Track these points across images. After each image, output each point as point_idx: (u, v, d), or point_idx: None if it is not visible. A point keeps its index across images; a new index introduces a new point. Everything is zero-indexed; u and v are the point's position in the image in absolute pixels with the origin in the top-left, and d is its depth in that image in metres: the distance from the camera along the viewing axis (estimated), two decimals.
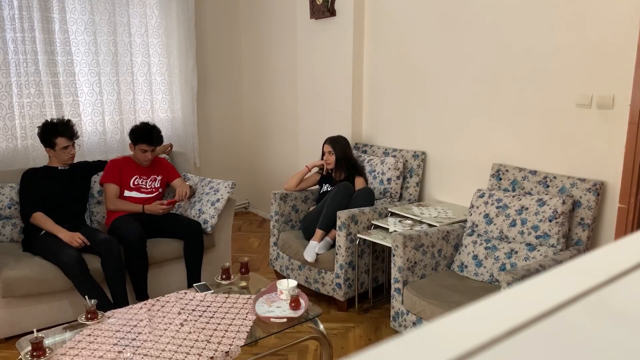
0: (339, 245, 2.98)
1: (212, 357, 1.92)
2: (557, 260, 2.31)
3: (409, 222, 2.97)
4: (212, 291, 2.50)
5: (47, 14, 3.64)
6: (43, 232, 2.90)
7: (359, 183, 3.37)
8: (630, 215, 2.33)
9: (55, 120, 3.05)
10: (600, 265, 0.48)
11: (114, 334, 2.08)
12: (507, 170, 2.83)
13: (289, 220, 3.50)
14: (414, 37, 3.40)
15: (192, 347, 1.98)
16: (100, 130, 4.04)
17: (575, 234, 2.51)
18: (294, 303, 2.27)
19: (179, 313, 2.26)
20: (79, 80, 3.90)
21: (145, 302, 2.38)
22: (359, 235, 2.97)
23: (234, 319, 2.22)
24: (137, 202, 3.21)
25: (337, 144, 3.42)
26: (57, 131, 3.00)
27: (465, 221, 2.87)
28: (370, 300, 3.18)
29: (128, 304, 2.69)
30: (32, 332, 1.94)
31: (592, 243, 2.52)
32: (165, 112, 4.44)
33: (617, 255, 0.50)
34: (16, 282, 2.65)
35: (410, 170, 3.41)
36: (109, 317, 2.22)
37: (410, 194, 3.40)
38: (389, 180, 3.36)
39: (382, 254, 3.22)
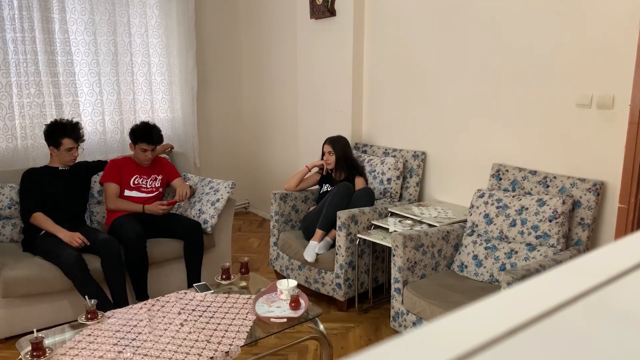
0: (339, 245, 2.98)
1: (212, 357, 1.92)
2: (557, 260, 2.31)
3: (409, 222, 2.97)
4: (212, 291, 2.50)
5: (47, 14, 3.64)
6: (43, 232, 2.89)
7: (359, 183, 3.37)
8: (630, 215, 2.33)
9: (64, 121, 3.06)
10: (600, 265, 0.48)
11: (114, 334, 2.08)
12: (507, 170, 2.83)
13: (289, 220, 3.50)
14: (414, 37, 3.40)
15: (192, 347, 1.98)
16: (100, 130, 4.04)
17: (575, 234, 2.51)
18: (294, 303, 2.27)
19: (179, 313, 2.26)
20: (79, 80, 3.90)
21: (145, 302, 2.38)
22: (359, 235, 2.97)
23: (234, 319, 2.22)
24: (137, 201, 3.21)
25: (337, 144, 3.42)
26: (64, 132, 3.00)
27: (465, 221, 2.87)
28: (370, 300, 3.18)
29: (128, 304, 2.69)
30: (32, 332, 1.94)
31: (592, 243, 2.52)
32: (165, 112, 4.44)
33: (617, 255, 0.50)
34: (16, 282, 2.65)
35: (410, 170, 3.41)
36: (109, 317, 2.22)
37: (410, 194, 3.40)
38: (389, 180, 3.36)
39: (382, 254, 3.22)
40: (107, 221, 3.18)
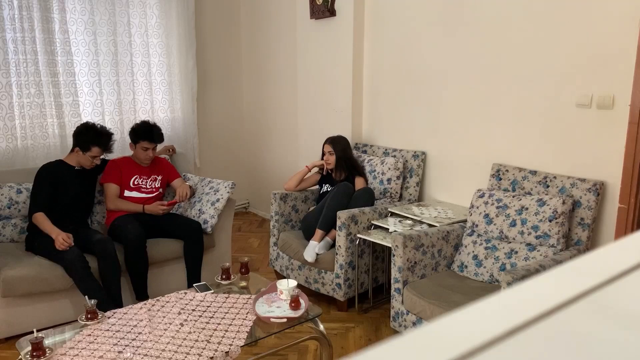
0: (339, 245, 2.98)
1: (212, 357, 1.92)
2: (557, 260, 2.31)
3: (409, 222, 2.97)
4: (212, 291, 2.50)
5: (47, 14, 3.64)
6: None
7: (359, 183, 3.37)
8: (630, 215, 2.33)
9: (101, 129, 3.05)
10: (600, 265, 0.48)
11: (114, 334, 2.08)
12: (507, 170, 2.83)
13: (289, 220, 3.50)
14: (414, 37, 3.40)
15: (192, 347, 1.98)
16: None
17: (575, 234, 2.51)
18: (294, 303, 2.27)
19: (179, 313, 2.26)
20: (79, 80, 3.90)
21: (145, 302, 2.38)
22: (359, 235, 2.97)
23: (234, 319, 2.22)
24: (137, 202, 3.21)
25: (338, 144, 3.42)
26: (99, 141, 3.01)
27: (465, 221, 2.87)
28: (370, 300, 3.18)
29: (122, 306, 2.70)
30: (32, 332, 1.94)
31: (592, 243, 2.52)
32: (165, 112, 4.44)
33: (617, 255, 0.50)
34: (16, 281, 2.65)
35: (410, 170, 3.41)
36: (109, 317, 2.22)
37: (410, 194, 3.40)
38: (389, 180, 3.36)
39: (382, 254, 3.22)
40: (107, 221, 3.18)
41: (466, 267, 2.67)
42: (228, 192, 3.29)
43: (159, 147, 3.58)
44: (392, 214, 3.14)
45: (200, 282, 2.85)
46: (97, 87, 3.99)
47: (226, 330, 2.12)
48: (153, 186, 3.30)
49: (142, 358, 1.90)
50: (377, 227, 3.04)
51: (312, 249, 3.07)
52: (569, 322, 0.39)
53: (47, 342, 1.98)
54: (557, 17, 2.61)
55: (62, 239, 2.74)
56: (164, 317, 2.23)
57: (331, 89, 3.93)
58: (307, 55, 4.11)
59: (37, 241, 2.88)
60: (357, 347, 2.73)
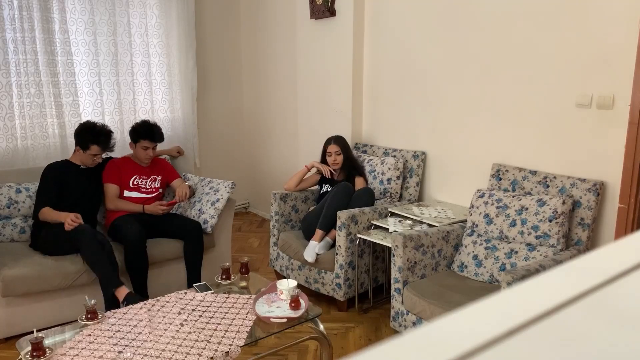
0: (339, 245, 2.98)
1: (212, 357, 1.92)
2: (557, 260, 2.31)
3: (409, 222, 2.97)
4: (212, 291, 2.50)
5: (47, 14, 3.64)
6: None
7: (359, 183, 3.37)
8: (630, 215, 2.33)
9: (99, 127, 3.08)
10: (600, 265, 0.48)
11: (114, 334, 2.08)
12: (507, 170, 2.83)
13: (289, 220, 3.50)
14: (414, 37, 3.40)
15: (192, 347, 1.98)
16: None
17: (575, 234, 2.51)
18: (294, 303, 2.27)
19: (179, 313, 2.26)
20: (79, 80, 3.90)
21: (145, 302, 2.38)
22: (359, 235, 2.97)
23: (234, 319, 2.22)
24: (137, 202, 3.21)
25: (343, 143, 3.41)
26: (97, 140, 3.04)
27: (465, 221, 2.87)
28: (370, 300, 3.18)
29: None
30: (32, 332, 1.94)
31: (592, 243, 2.52)
32: (165, 112, 4.44)
33: (617, 255, 0.50)
34: (16, 280, 2.65)
35: (410, 170, 3.41)
36: (109, 317, 2.22)
37: (410, 194, 3.40)
38: (389, 180, 3.36)
39: (382, 254, 3.22)
40: (107, 221, 3.18)
41: (466, 267, 2.67)
42: (228, 192, 3.29)
43: (160, 147, 3.58)
44: (392, 214, 3.14)
45: (200, 282, 2.85)
46: (97, 87, 3.99)
47: (226, 330, 2.12)
48: (153, 186, 3.30)
49: (142, 358, 1.90)
50: (377, 227, 3.04)
51: (312, 249, 3.07)
52: (569, 322, 0.39)
53: (47, 342, 1.98)
54: (557, 17, 2.61)
55: (70, 219, 2.78)
56: (164, 317, 2.23)
57: (331, 89, 3.92)
58: (307, 56, 4.11)
59: (41, 235, 2.88)
60: (357, 347, 2.73)
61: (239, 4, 5.03)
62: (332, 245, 3.12)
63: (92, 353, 1.94)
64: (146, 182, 3.28)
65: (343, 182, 3.29)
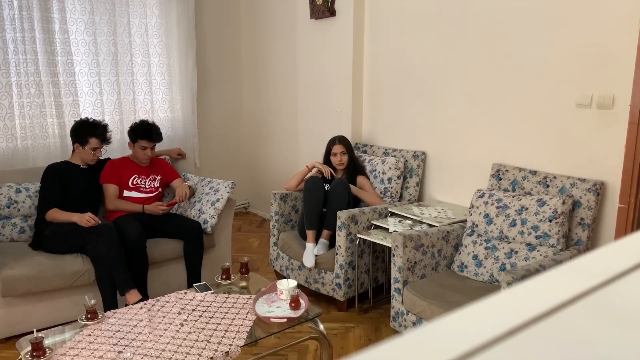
0: (339, 245, 2.98)
1: (212, 357, 1.92)
2: (557, 260, 2.31)
3: (409, 222, 2.97)
4: (212, 291, 2.50)
5: (47, 14, 3.64)
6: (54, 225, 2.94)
7: (363, 182, 3.36)
8: (630, 215, 2.33)
9: (95, 121, 3.12)
10: (600, 265, 0.48)
11: (114, 334, 2.08)
12: (507, 170, 2.83)
13: (289, 220, 3.50)
14: (414, 37, 3.40)
15: (192, 347, 1.98)
16: None
17: (575, 234, 2.51)
18: (294, 303, 2.27)
19: (179, 313, 2.26)
20: (79, 80, 3.90)
21: (145, 302, 2.38)
22: (359, 235, 2.97)
23: (234, 319, 2.22)
24: (136, 201, 3.21)
25: (347, 143, 3.40)
26: (94, 132, 3.06)
27: (465, 221, 2.87)
28: (370, 300, 3.18)
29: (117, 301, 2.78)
30: (32, 332, 1.94)
31: (592, 243, 2.52)
32: (165, 112, 4.44)
33: (617, 255, 0.50)
34: (16, 280, 2.65)
35: (410, 170, 3.41)
36: (109, 317, 2.22)
37: (410, 194, 3.40)
38: (389, 180, 3.36)
39: (382, 254, 3.22)
40: (107, 221, 3.18)
41: (466, 267, 2.67)
42: (228, 192, 3.29)
43: (160, 147, 3.58)
44: (392, 214, 3.14)
45: (200, 282, 2.85)
46: (97, 87, 3.99)
47: (226, 330, 2.12)
48: (152, 186, 3.30)
49: (142, 358, 1.90)
50: (377, 227, 3.04)
51: (310, 253, 3.07)
52: (569, 322, 0.39)
53: (47, 342, 1.98)
54: (557, 17, 2.61)
55: (88, 217, 2.82)
56: (164, 317, 2.23)
57: (331, 89, 3.92)
58: (307, 56, 4.11)
59: (47, 232, 2.89)
60: (357, 347, 2.73)
61: (238, 4, 5.03)
62: (330, 246, 3.12)
63: (92, 353, 1.94)
64: (145, 181, 3.29)
65: (336, 180, 3.25)
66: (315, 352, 2.65)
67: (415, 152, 3.41)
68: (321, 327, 2.33)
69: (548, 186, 2.63)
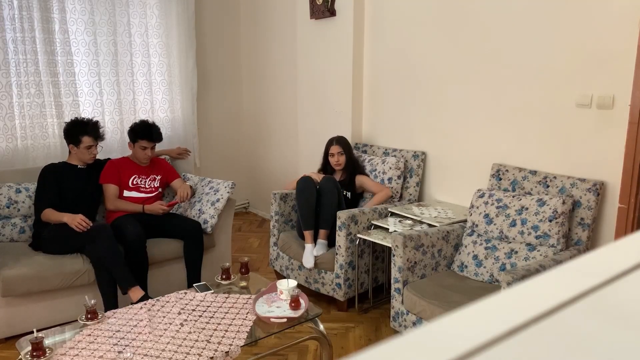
0: (339, 245, 2.98)
1: (212, 357, 1.92)
2: (557, 260, 2.31)
3: (409, 222, 2.97)
4: (212, 291, 2.50)
5: (47, 14, 3.64)
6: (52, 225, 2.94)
7: (363, 181, 3.36)
8: (630, 215, 2.33)
9: (85, 119, 3.12)
10: (600, 265, 0.48)
11: (114, 334, 2.08)
12: (507, 170, 2.83)
13: (289, 220, 3.50)
14: (414, 37, 3.40)
15: (192, 347, 1.98)
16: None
17: (575, 234, 2.51)
18: (294, 303, 2.27)
19: (179, 313, 2.26)
20: (79, 80, 3.90)
21: (145, 302, 2.38)
22: (359, 235, 2.97)
23: (234, 319, 2.22)
24: (136, 201, 3.21)
25: (345, 144, 3.41)
26: (85, 130, 3.06)
27: (465, 221, 2.87)
28: (370, 300, 3.18)
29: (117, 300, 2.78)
30: (32, 332, 1.94)
31: (592, 243, 2.52)
32: (165, 112, 4.44)
33: (617, 255, 0.50)
34: (16, 280, 2.65)
35: (410, 170, 3.41)
36: (109, 317, 2.22)
37: (410, 194, 3.40)
38: (389, 179, 3.36)
39: (382, 254, 3.22)
40: (107, 221, 3.18)
41: (466, 267, 2.67)
42: (228, 192, 3.29)
43: (160, 147, 3.58)
44: (392, 214, 3.14)
45: (200, 282, 2.85)
46: (97, 87, 3.99)
47: (226, 330, 2.12)
48: (152, 186, 3.30)
49: (142, 358, 1.90)
50: (377, 227, 3.04)
51: (310, 254, 3.07)
52: (569, 322, 0.39)
53: (47, 342, 1.98)
54: (557, 17, 2.61)
55: (79, 220, 2.81)
56: (164, 317, 2.23)
57: (331, 89, 3.92)
58: (307, 56, 4.11)
59: (44, 234, 2.89)
60: (357, 347, 2.73)
61: (238, 4, 5.03)
62: (329, 246, 3.12)
63: (92, 353, 1.94)
64: (145, 181, 3.29)
65: (328, 177, 3.24)
66: (315, 352, 2.65)
67: (415, 152, 3.41)
68: (321, 327, 2.33)
69: (548, 186, 2.63)
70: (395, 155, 3.50)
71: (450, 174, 3.29)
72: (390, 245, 2.68)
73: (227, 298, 2.43)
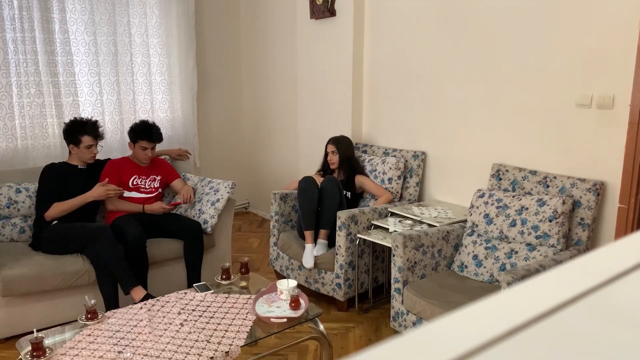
0: (339, 245, 2.98)
1: (212, 357, 1.92)
2: (557, 260, 2.31)
3: (409, 222, 2.97)
4: (212, 291, 2.50)
5: (47, 14, 3.64)
6: (54, 222, 2.93)
7: (362, 181, 3.36)
8: (630, 215, 2.33)
9: (84, 119, 3.13)
10: (600, 265, 0.48)
11: (114, 334, 2.08)
12: (507, 170, 2.83)
13: (289, 220, 3.50)
14: (414, 37, 3.40)
15: (192, 347, 1.98)
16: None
17: (575, 234, 2.51)
18: (294, 303, 2.27)
19: (179, 313, 2.26)
20: (79, 80, 3.90)
21: (145, 302, 2.38)
22: (359, 235, 2.97)
23: (234, 319, 2.22)
24: (136, 202, 3.21)
25: (341, 144, 3.42)
26: (84, 129, 3.07)
27: (465, 221, 2.87)
28: (370, 300, 3.18)
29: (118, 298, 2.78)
30: (32, 332, 1.94)
31: (592, 243, 2.52)
32: (165, 112, 4.44)
33: (617, 255, 0.50)
34: (16, 280, 2.65)
35: (410, 170, 3.41)
36: (109, 317, 2.22)
37: (410, 194, 3.40)
38: (390, 179, 3.36)
39: (382, 254, 3.22)
40: (107, 221, 3.18)
41: (466, 267, 2.67)
42: (228, 192, 3.29)
43: (160, 147, 3.58)
44: (392, 214, 3.14)
45: (200, 282, 2.85)
46: (97, 87, 3.99)
47: (226, 330, 2.12)
48: (152, 186, 3.30)
49: (142, 358, 1.90)
50: (377, 227, 3.04)
51: (310, 254, 3.07)
52: (569, 322, 0.39)
53: (47, 342, 1.98)
54: (557, 17, 2.61)
55: (104, 188, 2.97)
56: (164, 317, 2.23)
57: (331, 89, 3.92)
58: (307, 56, 4.11)
59: (47, 235, 2.89)
60: (357, 347, 2.73)
61: (239, 4, 5.03)
62: (329, 246, 3.12)
63: (92, 353, 1.94)
64: (145, 182, 3.29)
65: (329, 177, 3.25)
66: (315, 352, 2.65)
67: (415, 152, 3.41)
68: (321, 327, 2.33)
69: (548, 186, 2.63)
70: (395, 155, 3.50)
71: (450, 174, 3.29)
72: (390, 245, 2.68)
73: (227, 298, 2.43)
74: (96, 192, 2.97)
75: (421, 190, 3.46)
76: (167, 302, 2.37)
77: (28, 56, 3.58)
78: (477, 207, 2.73)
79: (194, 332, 2.09)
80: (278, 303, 2.34)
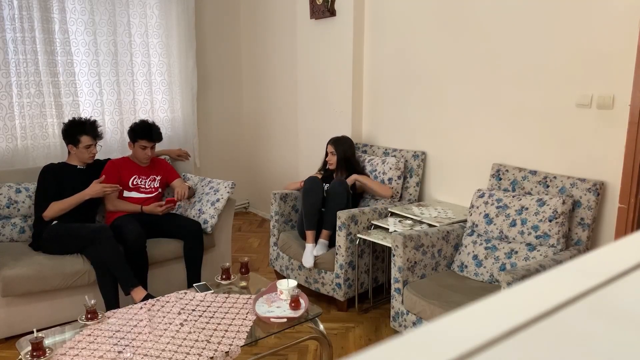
0: (339, 245, 2.98)
1: (212, 357, 1.92)
2: (557, 260, 2.31)
3: (409, 222, 2.97)
4: (212, 291, 2.50)
5: (47, 14, 3.64)
6: (54, 222, 2.93)
7: (362, 180, 3.36)
8: (630, 215, 2.33)
9: (82, 119, 3.13)
10: (600, 265, 0.48)
11: (114, 334, 2.08)
12: (507, 170, 2.83)
13: (289, 220, 3.50)
14: (414, 37, 3.40)
15: (192, 347, 1.98)
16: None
17: (575, 234, 2.51)
18: (294, 303, 2.27)
19: (179, 313, 2.26)
20: (79, 80, 3.90)
21: (145, 302, 2.38)
22: (359, 235, 2.97)
23: (234, 319, 2.22)
24: (136, 202, 3.21)
25: (340, 144, 3.42)
26: (83, 129, 3.07)
27: (465, 221, 2.87)
28: (370, 300, 3.18)
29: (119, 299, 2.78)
30: (32, 332, 1.94)
31: (592, 243, 2.52)
32: (165, 112, 4.44)
33: (617, 255, 0.50)
34: (16, 280, 2.65)
35: (410, 170, 3.41)
36: (109, 317, 2.22)
37: (410, 194, 3.40)
38: (390, 180, 3.36)
39: (382, 254, 3.22)
40: (107, 221, 3.18)
41: (466, 267, 2.67)
42: (228, 192, 3.29)
43: (161, 147, 3.58)
44: (392, 214, 3.14)
45: (200, 282, 2.85)
46: (97, 87, 3.99)
47: (226, 330, 2.12)
48: (152, 186, 3.30)
49: (142, 358, 1.90)
50: (377, 227, 3.04)
51: (309, 253, 3.07)
52: (569, 322, 0.39)
53: (47, 342, 1.98)
54: (557, 17, 2.61)
55: (101, 186, 2.95)
56: (164, 317, 2.23)
57: (331, 89, 3.92)
58: (307, 56, 4.11)
59: (47, 235, 2.89)
60: (357, 347, 2.73)
61: (239, 4, 5.03)
62: (330, 246, 3.12)
63: (92, 353, 1.94)
64: (145, 182, 3.29)
65: (335, 180, 3.26)
66: (315, 352, 2.65)
67: (415, 152, 3.41)
68: (321, 327, 2.33)
69: (548, 186, 2.63)
70: (395, 155, 3.50)
71: (450, 174, 3.29)
72: (390, 245, 2.68)
73: (227, 298, 2.43)
74: (93, 189, 2.97)
75: (421, 190, 3.46)
76: (167, 302, 2.37)
77: (28, 56, 3.58)
78: (477, 207, 2.73)
79: (194, 332, 2.09)
80: (278, 303, 2.34)
